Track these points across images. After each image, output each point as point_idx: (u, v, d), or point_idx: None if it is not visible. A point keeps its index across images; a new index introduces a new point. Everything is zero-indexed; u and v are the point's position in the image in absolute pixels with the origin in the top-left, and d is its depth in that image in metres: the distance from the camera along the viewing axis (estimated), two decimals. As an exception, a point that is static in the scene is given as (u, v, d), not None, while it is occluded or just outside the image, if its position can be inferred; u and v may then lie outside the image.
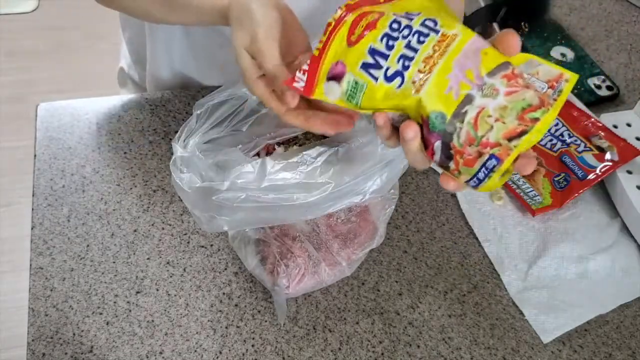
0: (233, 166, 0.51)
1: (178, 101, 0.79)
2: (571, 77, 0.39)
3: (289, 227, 0.60)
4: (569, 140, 0.77)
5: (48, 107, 0.77)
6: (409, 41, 0.40)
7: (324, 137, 0.64)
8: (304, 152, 0.52)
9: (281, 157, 0.52)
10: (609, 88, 0.88)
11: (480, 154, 0.37)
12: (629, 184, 0.73)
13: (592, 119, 0.79)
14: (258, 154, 0.61)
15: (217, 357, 0.59)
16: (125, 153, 0.74)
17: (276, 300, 0.60)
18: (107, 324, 0.60)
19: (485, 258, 0.70)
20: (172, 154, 0.54)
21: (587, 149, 0.75)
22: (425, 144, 0.40)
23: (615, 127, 0.81)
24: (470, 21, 0.92)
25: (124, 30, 0.88)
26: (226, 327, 0.61)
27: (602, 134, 0.77)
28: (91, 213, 0.68)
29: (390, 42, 0.40)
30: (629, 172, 0.75)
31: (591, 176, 0.73)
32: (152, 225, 0.68)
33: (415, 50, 0.39)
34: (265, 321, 0.62)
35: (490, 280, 0.68)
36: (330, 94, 0.42)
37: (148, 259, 0.65)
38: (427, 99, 0.38)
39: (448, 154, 0.39)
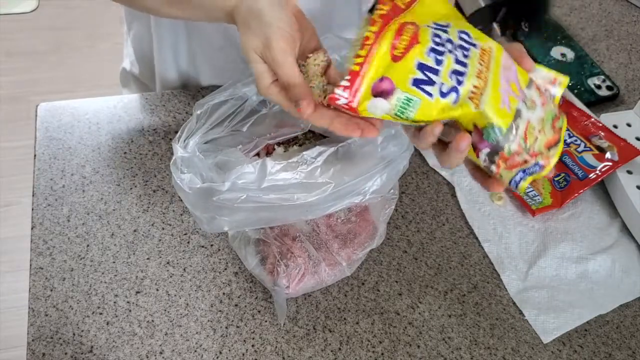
0: (233, 166, 0.51)
1: (178, 101, 0.79)
2: (564, 80, 0.44)
3: (289, 227, 0.60)
4: (569, 140, 0.77)
5: (48, 107, 0.77)
6: (456, 56, 0.41)
7: (323, 137, 0.64)
8: (304, 152, 0.52)
9: (281, 157, 0.52)
10: (609, 88, 0.88)
11: (526, 162, 0.42)
12: (629, 184, 0.73)
13: (592, 119, 0.79)
14: (258, 154, 0.61)
15: (217, 357, 0.59)
16: (125, 153, 0.74)
17: (276, 300, 0.60)
18: (107, 324, 0.60)
19: (485, 258, 0.70)
20: (172, 154, 0.54)
21: (587, 149, 0.75)
22: (473, 148, 0.43)
23: (615, 127, 0.80)
24: (470, 21, 0.92)
25: (129, 28, 0.87)
26: (226, 327, 0.61)
27: (602, 134, 0.77)
28: (91, 213, 0.68)
29: (439, 57, 0.41)
30: (629, 172, 0.75)
31: (591, 176, 0.73)
32: (152, 225, 0.68)
33: (465, 65, 0.41)
34: (265, 321, 0.62)
35: (490, 280, 0.68)
36: (376, 110, 0.42)
37: (148, 259, 0.65)
38: (487, 113, 0.41)
39: (493, 160, 0.42)
